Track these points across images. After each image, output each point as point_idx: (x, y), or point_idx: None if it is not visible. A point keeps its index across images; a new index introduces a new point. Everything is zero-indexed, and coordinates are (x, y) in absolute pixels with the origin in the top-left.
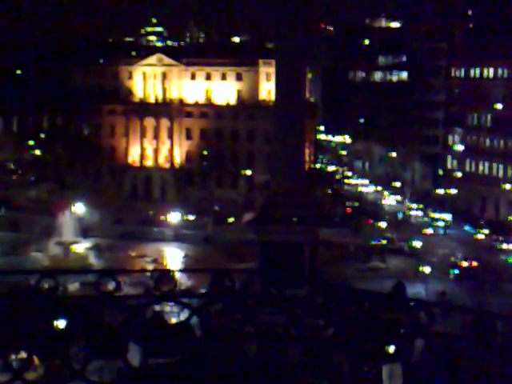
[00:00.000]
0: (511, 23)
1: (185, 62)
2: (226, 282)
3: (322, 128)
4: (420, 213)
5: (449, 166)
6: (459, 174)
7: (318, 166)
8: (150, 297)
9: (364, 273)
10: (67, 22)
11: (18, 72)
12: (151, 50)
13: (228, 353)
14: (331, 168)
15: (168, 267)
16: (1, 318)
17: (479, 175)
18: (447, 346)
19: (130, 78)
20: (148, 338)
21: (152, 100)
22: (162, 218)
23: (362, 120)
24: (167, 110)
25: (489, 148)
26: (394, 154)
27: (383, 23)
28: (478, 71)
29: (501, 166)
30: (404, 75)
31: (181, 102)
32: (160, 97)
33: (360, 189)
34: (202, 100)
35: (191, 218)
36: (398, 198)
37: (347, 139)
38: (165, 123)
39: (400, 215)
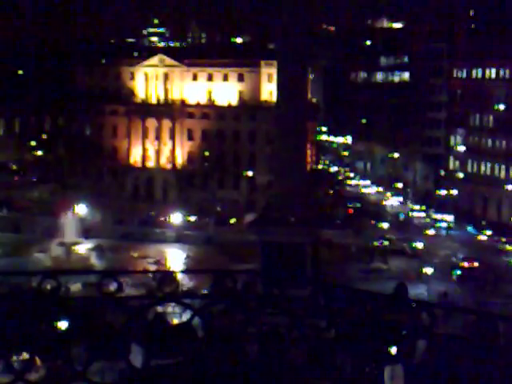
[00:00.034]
0: None
1: (187, 63)
2: (228, 282)
3: (323, 129)
4: (422, 214)
5: (451, 167)
6: (461, 175)
7: (319, 166)
8: (152, 298)
9: (366, 274)
10: (69, 23)
11: (20, 72)
12: (153, 51)
13: (230, 354)
14: (333, 169)
15: (170, 268)
16: (2, 318)
17: (481, 176)
18: (449, 347)
19: (132, 78)
20: (150, 339)
21: (154, 101)
22: (164, 218)
23: (363, 121)
24: (169, 110)
25: (491, 149)
26: (395, 155)
27: (385, 24)
28: (479, 72)
29: (503, 167)
30: (406, 76)
31: (183, 102)
32: (162, 97)
33: (362, 190)
34: (203, 101)
35: (193, 218)
36: (400, 198)
37: (349, 140)
38: (167, 124)
39: (402, 216)
